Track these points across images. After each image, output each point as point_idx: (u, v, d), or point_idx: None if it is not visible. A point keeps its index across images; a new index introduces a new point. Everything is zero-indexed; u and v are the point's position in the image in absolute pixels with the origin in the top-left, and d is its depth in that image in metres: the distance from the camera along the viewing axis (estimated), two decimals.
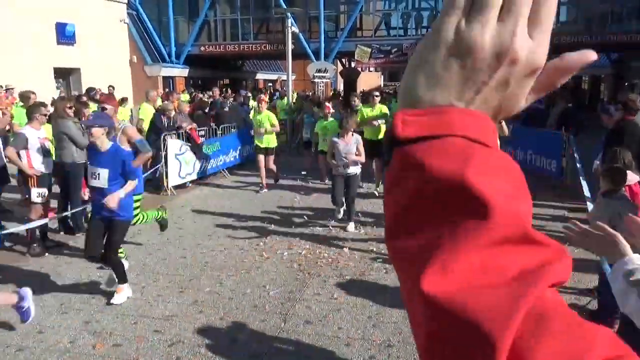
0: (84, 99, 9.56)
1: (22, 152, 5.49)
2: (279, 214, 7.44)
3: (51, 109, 7.04)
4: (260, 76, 33.47)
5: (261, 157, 8.74)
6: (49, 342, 3.80)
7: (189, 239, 6.27)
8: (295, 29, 17.07)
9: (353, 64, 24.95)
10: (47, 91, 14.78)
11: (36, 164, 5.57)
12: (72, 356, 3.61)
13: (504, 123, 9.15)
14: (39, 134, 5.62)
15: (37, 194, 5.50)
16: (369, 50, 22.59)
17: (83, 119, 6.82)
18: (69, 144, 5.96)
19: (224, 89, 21.74)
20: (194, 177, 9.38)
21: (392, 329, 3.94)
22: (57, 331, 3.96)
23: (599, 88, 29.01)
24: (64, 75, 19.33)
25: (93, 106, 7.89)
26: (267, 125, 8.59)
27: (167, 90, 17.88)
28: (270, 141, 8.77)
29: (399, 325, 3.99)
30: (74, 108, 6.54)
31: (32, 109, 5.66)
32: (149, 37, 23.84)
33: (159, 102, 10.40)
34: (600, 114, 6.75)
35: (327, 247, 5.87)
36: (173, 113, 8.84)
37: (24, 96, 8.82)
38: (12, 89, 10.02)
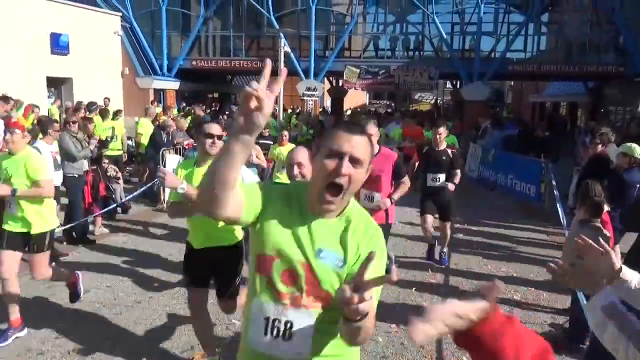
0: (82, 112, 9.84)
1: None
2: None
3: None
4: None
5: None
6: (67, 347, 4.06)
7: None
8: (288, 49, 17.55)
9: (341, 83, 25.53)
10: (39, 100, 14.90)
11: None
12: None
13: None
14: (51, 148, 5.90)
15: None
16: (358, 70, 23.20)
17: (88, 134, 7.13)
18: (67, 158, 6.27)
19: (212, 105, 22.09)
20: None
21: (386, 341, 4.29)
22: (73, 338, 4.22)
23: (576, 114, 30.09)
24: (56, 84, 19.45)
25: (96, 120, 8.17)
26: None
27: (163, 106, 18.11)
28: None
29: (392, 338, 4.35)
30: (77, 123, 6.85)
31: (46, 125, 5.94)
32: (142, 49, 24.10)
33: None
34: (578, 145, 7.29)
35: None
36: (172, 129, 9.16)
37: (29, 110, 9.06)
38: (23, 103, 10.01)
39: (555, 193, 8.17)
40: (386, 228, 4.63)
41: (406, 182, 4.93)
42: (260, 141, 9.98)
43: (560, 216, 7.20)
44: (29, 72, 17.39)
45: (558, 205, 7.50)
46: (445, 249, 6.46)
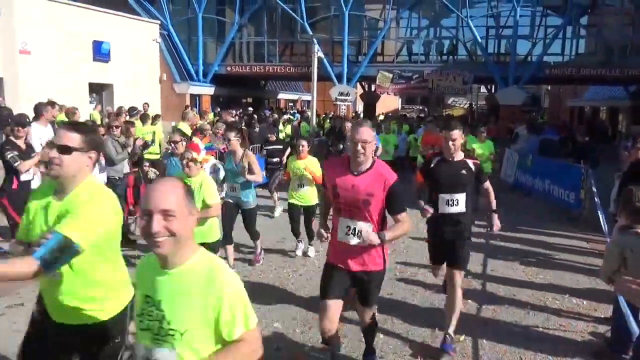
0: (125, 116, 10.18)
1: None
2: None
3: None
4: (281, 96, 34.26)
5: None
6: None
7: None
8: (321, 55, 17.66)
9: (373, 88, 25.53)
10: (82, 105, 15.48)
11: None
12: None
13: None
14: None
15: None
16: (391, 75, 23.16)
17: (130, 137, 7.39)
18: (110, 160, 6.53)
19: (247, 108, 22.41)
20: (224, 194, 9.83)
21: (421, 346, 4.29)
22: None
23: (617, 119, 29.18)
24: (97, 90, 20.16)
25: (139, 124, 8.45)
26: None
27: (199, 111, 18.56)
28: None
29: (428, 343, 4.35)
30: (120, 127, 7.11)
31: None
32: (179, 56, 24.73)
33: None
34: (619, 150, 7.10)
35: None
36: (209, 133, 9.37)
37: (69, 112, 9.44)
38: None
39: (596, 200, 7.95)
40: (381, 277, 3.54)
41: (404, 220, 3.36)
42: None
43: (602, 223, 7.01)
44: (74, 79, 18.11)
45: (599, 212, 7.31)
46: (451, 330, 4.23)
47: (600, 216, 7.20)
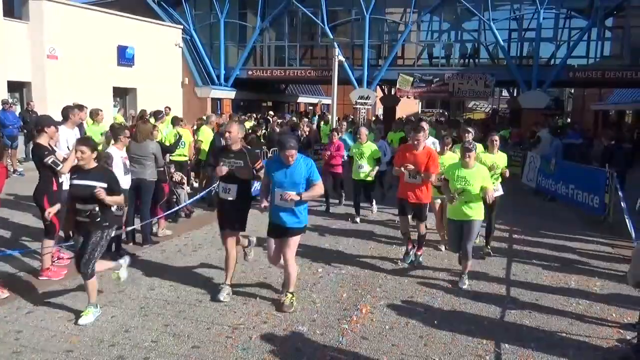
0: (148, 119, 10.34)
1: None
2: (329, 233, 7.88)
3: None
4: (301, 99, 34.38)
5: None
6: (136, 340, 4.30)
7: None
8: (342, 58, 17.74)
9: (393, 91, 25.45)
10: (106, 108, 15.81)
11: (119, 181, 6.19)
12: (158, 354, 4.09)
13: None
14: (121, 154, 6.26)
15: (118, 207, 6.08)
16: (411, 79, 23.07)
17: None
18: (152, 163, 6.62)
19: (266, 113, 22.60)
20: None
21: (443, 349, 4.27)
22: (141, 332, 4.46)
23: None
24: (121, 94, 20.55)
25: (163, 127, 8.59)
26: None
27: (221, 114, 18.79)
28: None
29: (449, 346, 4.32)
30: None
31: (118, 131, 6.32)
32: (201, 60, 25.06)
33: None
34: None
35: (376, 272, 6.26)
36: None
37: (93, 112, 9.63)
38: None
39: (622, 204, 7.80)
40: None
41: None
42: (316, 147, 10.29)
43: (629, 227, 6.87)
44: (99, 83, 18.51)
45: (626, 216, 7.16)
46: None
47: (627, 220, 7.05)
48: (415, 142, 6.28)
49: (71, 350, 4.09)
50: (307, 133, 15.49)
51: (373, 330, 4.61)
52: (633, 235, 6.66)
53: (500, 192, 6.98)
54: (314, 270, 6.24)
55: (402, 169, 6.22)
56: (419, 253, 6.61)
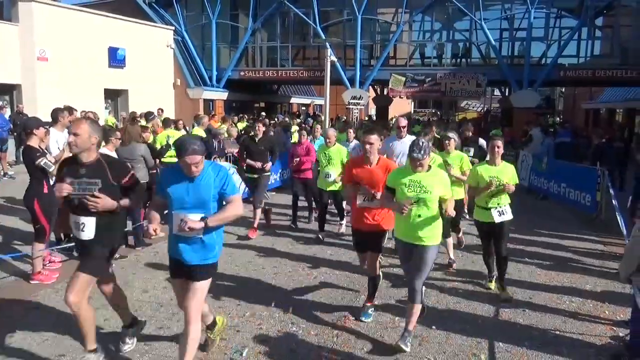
0: (140, 120, 10.29)
1: None
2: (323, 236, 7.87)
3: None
4: (294, 100, 34.37)
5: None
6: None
7: (240, 256, 6.73)
8: (334, 58, 17.75)
9: (386, 91, 25.51)
10: (97, 110, 15.71)
11: None
12: (152, 357, 4.06)
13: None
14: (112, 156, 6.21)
15: None
16: (403, 78, 23.14)
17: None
18: (142, 165, 6.57)
19: (259, 114, 22.55)
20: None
21: (437, 349, 4.27)
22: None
23: (633, 121, 28.72)
24: (112, 95, 20.43)
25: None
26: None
27: (223, 115, 18.73)
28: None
29: (443, 346, 4.32)
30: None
31: (108, 133, 6.28)
32: (193, 61, 24.98)
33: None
34: (634, 153, 7.02)
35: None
36: (224, 137, 9.45)
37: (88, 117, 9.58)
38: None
39: (613, 202, 7.86)
40: None
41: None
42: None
43: (620, 225, 6.92)
44: (90, 85, 18.39)
45: (617, 214, 7.21)
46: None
47: (619, 218, 7.10)
48: (367, 153, 4.60)
49: (63, 354, 4.06)
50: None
51: (369, 330, 4.60)
52: (624, 232, 6.70)
53: (510, 215, 5.40)
54: (307, 272, 6.22)
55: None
56: (368, 304, 4.91)
